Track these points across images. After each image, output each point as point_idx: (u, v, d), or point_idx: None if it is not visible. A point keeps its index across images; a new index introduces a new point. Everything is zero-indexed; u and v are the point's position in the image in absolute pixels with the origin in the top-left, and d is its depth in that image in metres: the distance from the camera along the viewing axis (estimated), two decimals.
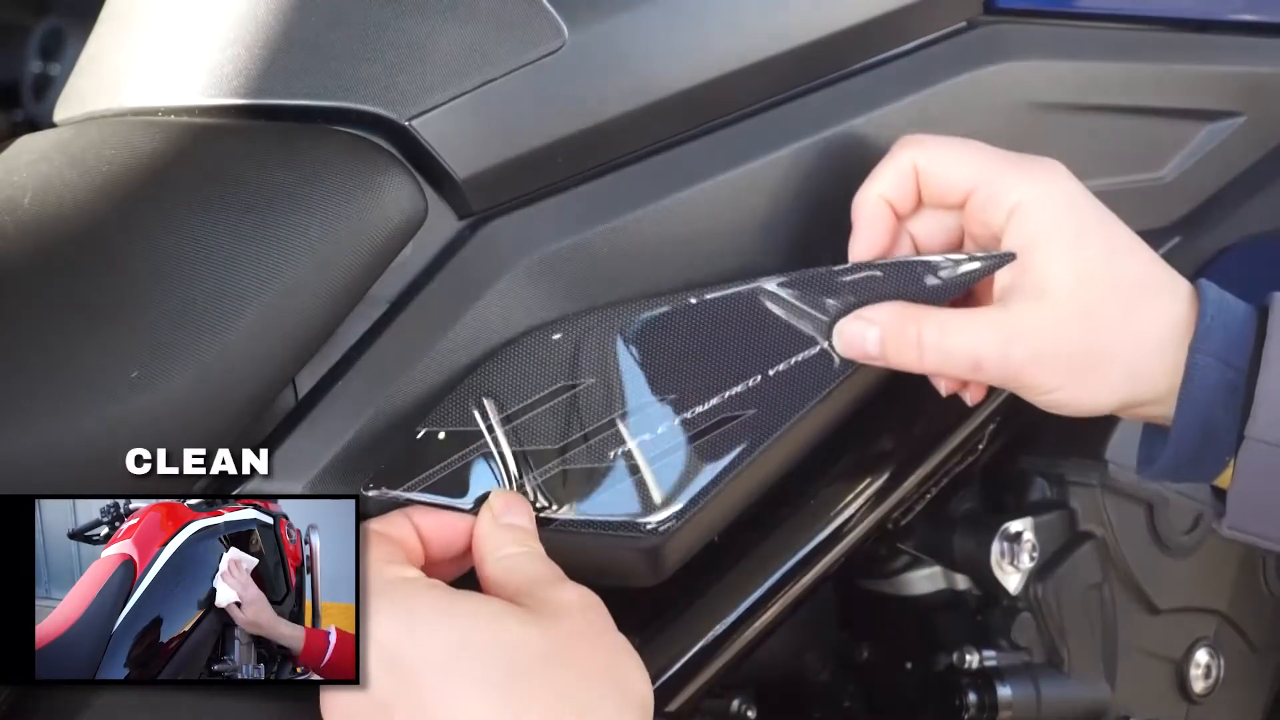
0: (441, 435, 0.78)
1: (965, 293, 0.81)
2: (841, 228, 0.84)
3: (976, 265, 0.79)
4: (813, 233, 0.84)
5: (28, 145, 0.82)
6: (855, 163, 0.85)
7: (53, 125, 0.87)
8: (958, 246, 0.82)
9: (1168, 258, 0.98)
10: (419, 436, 0.77)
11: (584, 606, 0.71)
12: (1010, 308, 0.78)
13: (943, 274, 0.80)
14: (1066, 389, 0.78)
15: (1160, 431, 0.81)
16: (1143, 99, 0.90)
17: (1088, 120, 0.90)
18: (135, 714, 0.76)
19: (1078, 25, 0.91)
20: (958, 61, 0.87)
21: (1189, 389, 0.77)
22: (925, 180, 0.80)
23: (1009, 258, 0.78)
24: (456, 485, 0.78)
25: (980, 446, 0.96)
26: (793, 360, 0.83)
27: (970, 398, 0.83)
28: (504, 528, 0.76)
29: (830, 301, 0.81)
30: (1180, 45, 0.94)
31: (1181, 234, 0.97)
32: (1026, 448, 0.98)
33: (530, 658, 0.68)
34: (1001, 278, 0.79)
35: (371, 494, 0.76)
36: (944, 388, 0.83)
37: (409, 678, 0.68)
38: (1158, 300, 0.78)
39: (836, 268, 0.81)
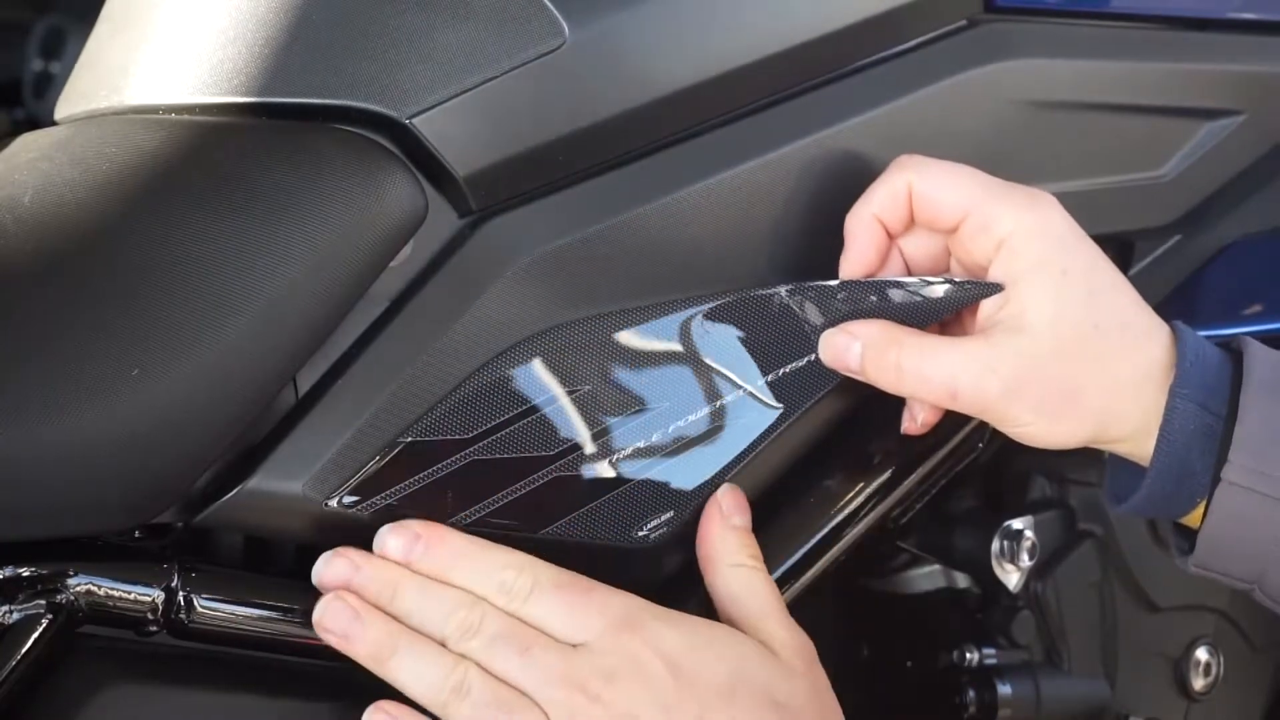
0: (421, 444, 0.78)
1: (950, 319, 0.82)
2: (841, 227, 0.85)
3: (966, 290, 0.80)
4: (813, 231, 0.84)
5: (28, 143, 0.82)
6: (855, 161, 0.85)
7: (54, 123, 0.87)
8: (945, 268, 0.83)
9: (1167, 256, 0.98)
10: (396, 444, 0.77)
11: (809, 659, 0.80)
12: (990, 339, 0.79)
13: (930, 294, 0.80)
14: (1038, 424, 0.79)
15: (1126, 466, 0.82)
16: (1143, 97, 0.90)
17: (1087, 119, 0.90)
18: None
19: (1078, 24, 0.91)
20: (958, 60, 0.87)
21: (1168, 431, 0.78)
22: (919, 203, 0.81)
23: (996, 288, 0.79)
24: (434, 497, 0.78)
25: (980, 445, 0.96)
26: (783, 370, 0.84)
27: (921, 424, 0.84)
28: (732, 530, 0.82)
29: (820, 314, 0.82)
30: (1180, 44, 0.94)
31: (1181, 232, 0.97)
32: (1026, 446, 0.98)
33: (786, 703, 0.77)
34: (985, 308, 0.80)
35: (334, 505, 0.76)
36: (908, 421, 0.85)
37: (689, 688, 0.76)
38: (1136, 343, 0.79)
39: (829, 282, 0.82)
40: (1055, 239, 0.79)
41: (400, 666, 0.75)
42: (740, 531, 0.82)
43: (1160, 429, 0.78)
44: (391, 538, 0.77)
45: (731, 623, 0.81)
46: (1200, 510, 0.79)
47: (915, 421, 0.85)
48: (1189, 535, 0.81)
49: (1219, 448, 0.78)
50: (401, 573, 0.77)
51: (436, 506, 0.78)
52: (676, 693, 0.76)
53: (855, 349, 0.80)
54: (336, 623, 0.76)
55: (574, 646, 0.76)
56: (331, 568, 0.76)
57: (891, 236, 0.83)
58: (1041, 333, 0.78)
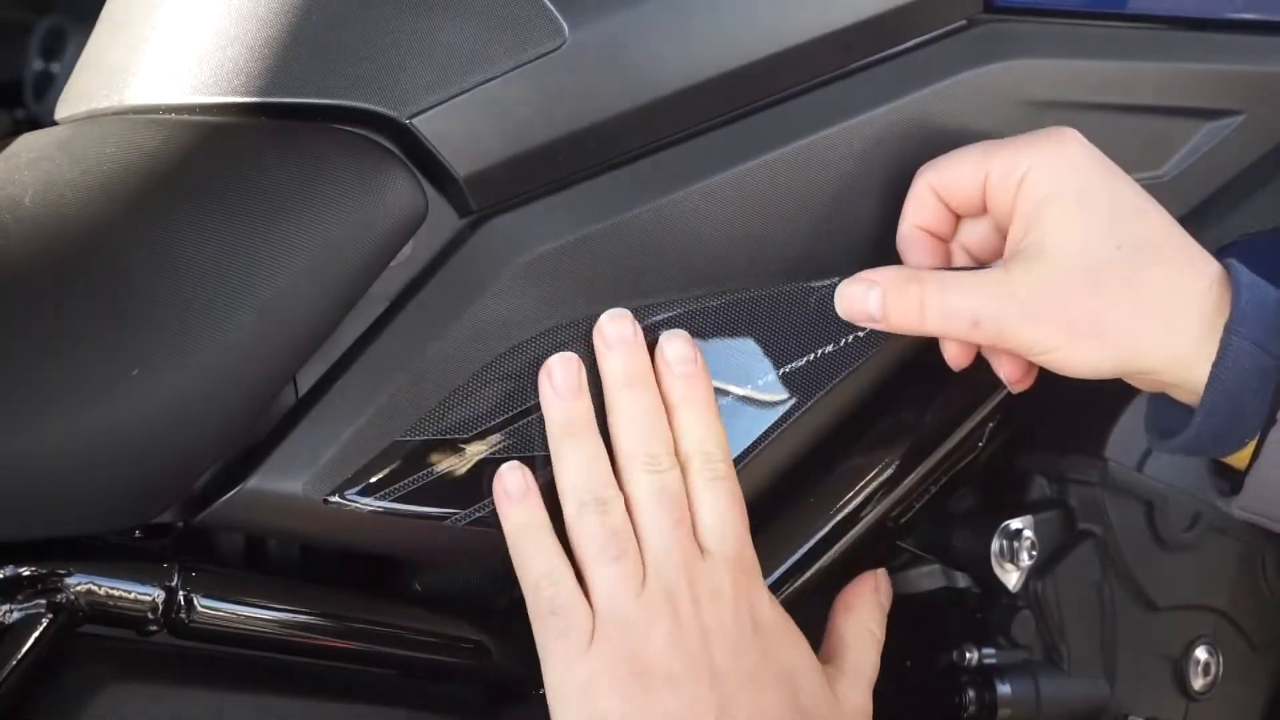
0: (421, 443, 0.78)
1: (969, 259, 0.83)
2: (841, 226, 0.85)
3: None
4: (813, 231, 0.84)
5: (29, 143, 0.82)
6: (855, 161, 0.85)
7: (54, 123, 0.87)
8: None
9: None
10: (396, 443, 0.77)
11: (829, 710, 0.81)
12: (1010, 268, 0.78)
13: None
14: (1063, 350, 0.78)
15: (1169, 404, 0.81)
16: (1142, 97, 0.90)
17: (1087, 118, 0.90)
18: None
19: (1077, 23, 0.91)
20: (957, 60, 0.87)
21: (1222, 369, 0.76)
22: (946, 195, 0.81)
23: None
24: (434, 496, 0.78)
25: (980, 444, 0.96)
26: (782, 370, 0.84)
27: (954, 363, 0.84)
28: (879, 605, 0.88)
29: (818, 313, 0.82)
30: (1180, 44, 0.94)
31: None
32: (1026, 446, 0.98)
33: None
34: (1009, 244, 0.80)
35: (334, 505, 0.76)
36: (954, 357, 0.84)
37: (760, 651, 0.78)
38: (1165, 267, 0.78)
39: (826, 281, 0.82)
40: (1071, 165, 0.79)
41: (573, 449, 0.78)
42: (884, 610, 0.88)
43: (1214, 366, 0.76)
44: (673, 345, 0.79)
45: (825, 661, 0.84)
46: (1248, 451, 0.78)
47: (949, 360, 0.84)
48: (1230, 475, 0.80)
49: (1275, 389, 0.76)
50: (647, 374, 0.79)
51: (437, 506, 0.79)
52: (750, 645, 0.78)
53: (874, 294, 0.80)
54: (563, 377, 0.78)
55: (702, 550, 0.78)
56: (613, 323, 0.79)
57: (945, 240, 0.83)
58: (1060, 256, 0.77)
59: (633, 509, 0.78)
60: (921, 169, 0.82)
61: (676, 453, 0.79)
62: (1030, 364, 0.83)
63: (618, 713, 0.76)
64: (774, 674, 0.78)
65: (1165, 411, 0.82)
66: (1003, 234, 0.82)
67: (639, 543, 0.78)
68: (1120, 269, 0.77)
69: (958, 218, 0.83)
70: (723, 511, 0.79)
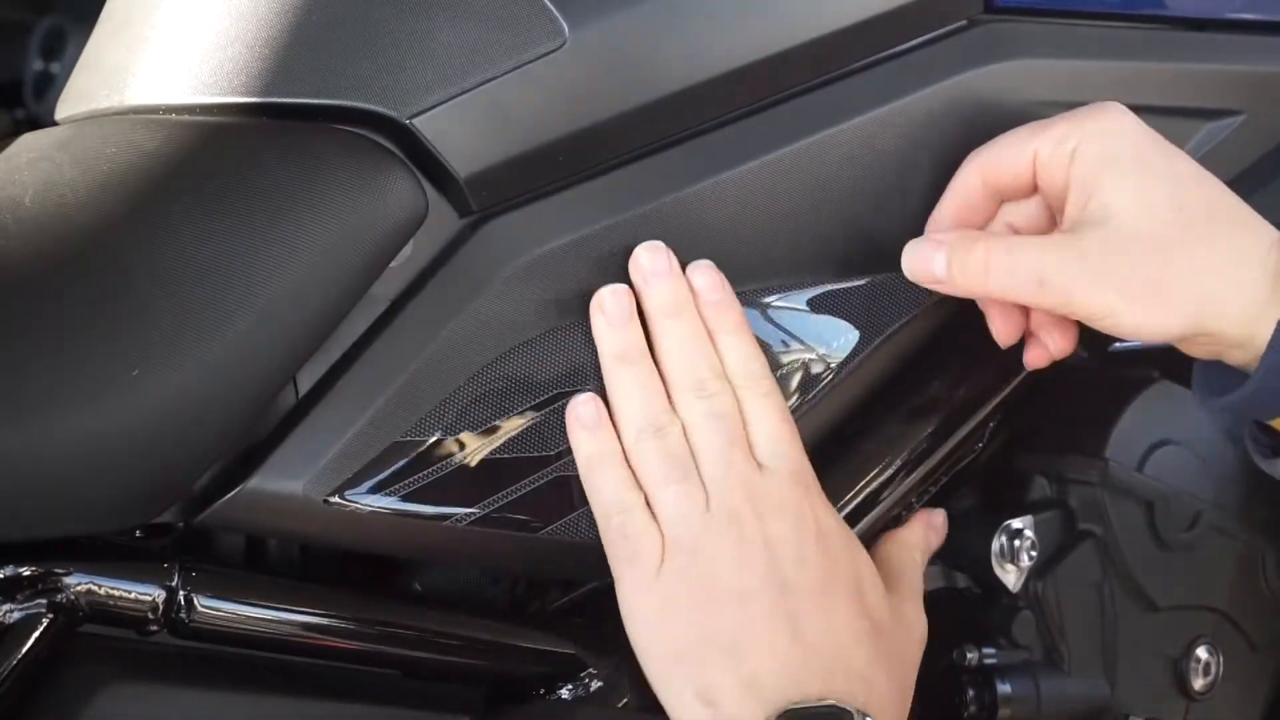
0: (422, 443, 0.78)
1: (1032, 227, 0.84)
2: (842, 226, 0.85)
3: None
4: (814, 231, 0.85)
5: (29, 143, 0.82)
6: (856, 161, 0.85)
7: (54, 123, 0.87)
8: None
9: None
10: (397, 444, 0.77)
11: (916, 639, 0.84)
12: (1076, 233, 0.79)
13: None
14: (1130, 311, 0.78)
15: (1221, 368, 0.81)
16: (1142, 98, 0.90)
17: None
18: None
19: (1078, 24, 0.91)
20: (958, 60, 0.87)
21: None
22: (994, 178, 0.82)
23: None
24: (434, 496, 0.78)
25: (980, 444, 0.96)
26: (780, 370, 0.84)
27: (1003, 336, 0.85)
28: (932, 529, 0.89)
29: (807, 315, 0.82)
30: (1180, 44, 0.94)
31: None
32: (1027, 446, 0.98)
33: (880, 632, 0.80)
34: (1069, 215, 0.80)
35: (335, 505, 0.76)
36: (1002, 330, 0.85)
37: (826, 561, 0.79)
38: (1227, 229, 0.79)
39: (819, 283, 0.83)
40: (1121, 134, 0.80)
41: (629, 378, 0.79)
42: (930, 545, 0.89)
43: (1277, 328, 0.77)
44: (700, 274, 0.80)
45: None
46: None
47: (998, 334, 0.85)
48: (1273, 437, 0.81)
49: None
50: (688, 303, 0.80)
51: (437, 506, 0.79)
52: (815, 555, 0.79)
53: (941, 255, 0.81)
54: (615, 306, 0.79)
55: (759, 465, 0.79)
56: (650, 255, 0.80)
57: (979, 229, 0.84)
58: (1125, 220, 0.78)
59: (689, 434, 0.80)
60: (970, 156, 0.83)
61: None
62: (1072, 334, 0.84)
63: (691, 631, 0.77)
64: (841, 582, 0.79)
65: (1216, 374, 0.82)
66: (1052, 212, 0.83)
67: (698, 466, 0.79)
68: (1184, 231, 0.78)
69: (997, 206, 0.84)
70: (775, 427, 0.81)
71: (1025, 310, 0.85)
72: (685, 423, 0.80)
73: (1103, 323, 0.79)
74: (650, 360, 0.80)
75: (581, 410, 0.80)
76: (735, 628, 0.77)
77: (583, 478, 0.80)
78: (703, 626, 0.77)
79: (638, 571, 0.78)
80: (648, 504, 0.79)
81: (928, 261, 0.81)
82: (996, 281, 0.80)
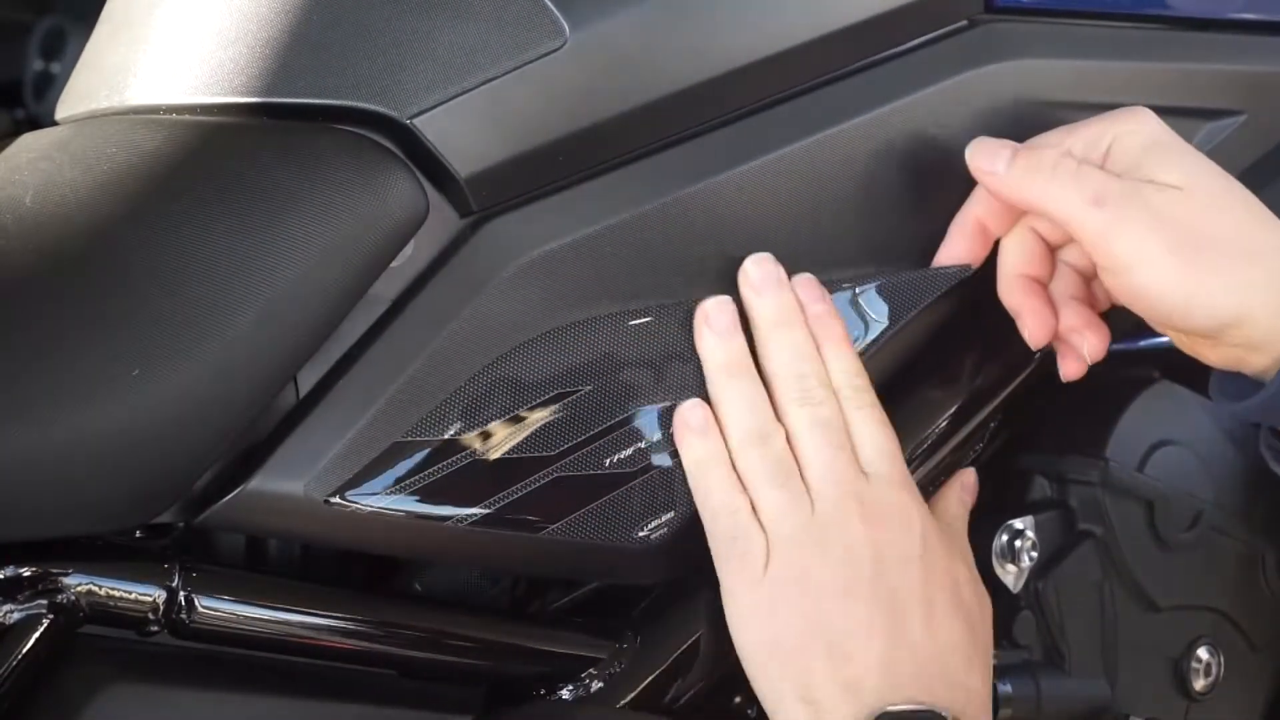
0: (422, 444, 0.78)
1: (1039, 243, 0.85)
2: (842, 226, 0.85)
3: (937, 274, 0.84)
4: (814, 231, 0.85)
5: (30, 143, 0.82)
6: (856, 162, 0.85)
7: (54, 123, 0.87)
8: None
9: None
10: (397, 444, 0.77)
11: (990, 612, 0.84)
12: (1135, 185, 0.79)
13: (900, 280, 0.85)
14: (1182, 281, 0.77)
15: (1239, 376, 0.81)
16: (1143, 98, 0.90)
17: (1088, 119, 0.90)
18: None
19: (1077, 23, 0.91)
20: (958, 60, 0.87)
21: None
22: (1051, 215, 0.81)
23: (966, 269, 0.84)
24: (435, 497, 0.78)
25: (980, 444, 0.96)
26: None
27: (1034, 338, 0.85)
28: (962, 501, 0.89)
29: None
30: (1181, 44, 0.94)
31: None
32: (1027, 446, 0.98)
33: (973, 626, 0.81)
34: None
35: (335, 505, 0.76)
36: (1034, 330, 0.84)
37: (933, 563, 0.81)
38: (1260, 221, 0.79)
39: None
40: (1155, 127, 0.81)
41: (735, 390, 0.81)
42: (966, 507, 0.89)
43: None
44: (804, 287, 0.82)
45: None
46: None
47: (1030, 339, 0.85)
48: None
49: None
50: (797, 314, 0.82)
51: (438, 506, 0.79)
52: (918, 560, 0.80)
53: (1006, 151, 0.81)
54: (720, 319, 0.81)
55: (863, 472, 0.81)
56: (758, 267, 0.82)
57: (995, 236, 0.85)
58: (1191, 186, 0.78)
59: (793, 441, 0.81)
60: (1022, 221, 0.84)
61: None
62: (1105, 334, 0.84)
63: (796, 631, 0.78)
64: (941, 584, 0.80)
65: (1232, 381, 0.82)
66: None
67: (802, 472, 0.80)
68: (1232, 206, 0.79)
69: (1018, 214, 0.84)
70: (879, 436, 0.82)
71: (1056, 312, 0.85)
72: (790, 430, 0.81)
73: (1134, 275, 0.78)
74: (755, 371, 0.81)
75: (689, 415, 0.81)
76: (838, 630, 0.78)
77: (690, 481, 0.81)
78: (806, 627, 0.78)
79: (744, 572, 0.79)
80: (753, 509, 0.80)
81: (992, 155, 0.82)
82: (1058, 184, 0.79)
